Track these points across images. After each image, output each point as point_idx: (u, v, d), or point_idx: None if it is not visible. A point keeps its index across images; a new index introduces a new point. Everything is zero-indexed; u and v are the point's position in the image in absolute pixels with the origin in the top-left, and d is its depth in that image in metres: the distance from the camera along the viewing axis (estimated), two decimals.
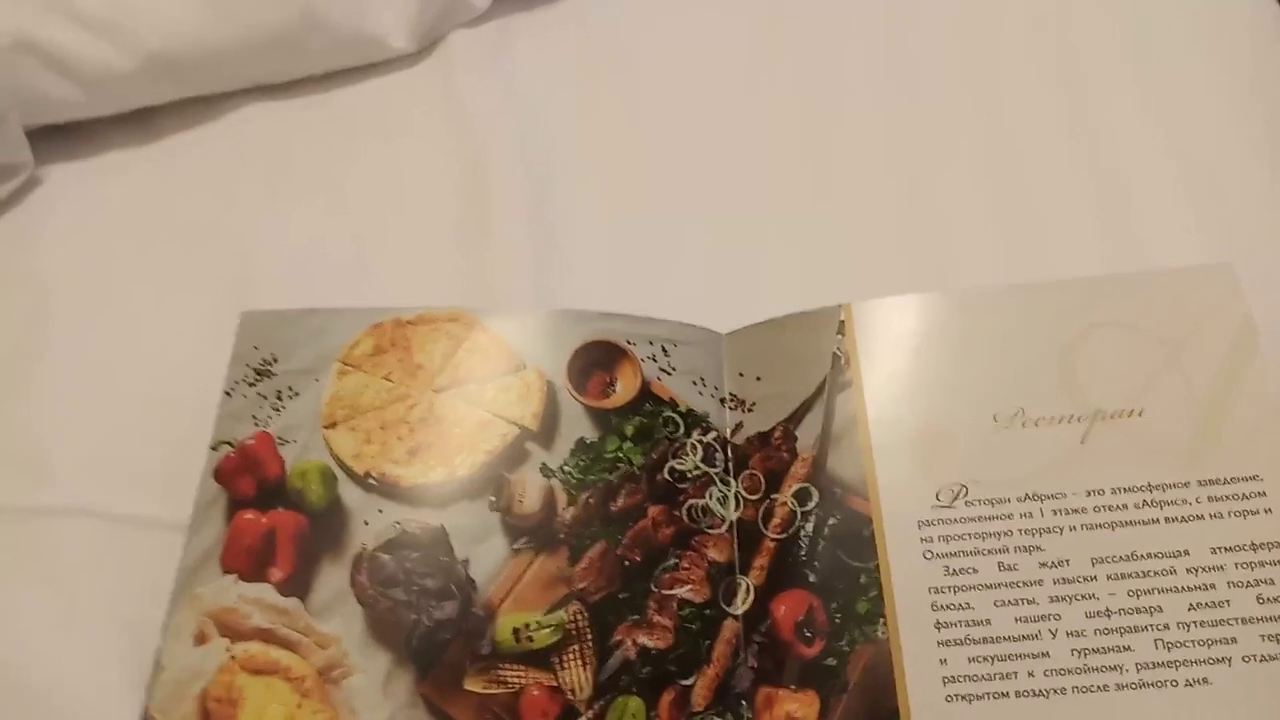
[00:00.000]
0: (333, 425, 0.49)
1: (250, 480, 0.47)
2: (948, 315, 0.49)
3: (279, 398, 0.49)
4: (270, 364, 0.50)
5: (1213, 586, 0.42)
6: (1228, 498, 0.43)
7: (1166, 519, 0.43)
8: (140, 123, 0.66)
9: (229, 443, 0.48)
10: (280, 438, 0.48)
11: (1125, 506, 0.44)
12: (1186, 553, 0.42)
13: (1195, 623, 0.41)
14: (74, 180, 0.64)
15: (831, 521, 0.46)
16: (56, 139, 0.65)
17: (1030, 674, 0.41)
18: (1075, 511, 0.44)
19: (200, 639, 0.43)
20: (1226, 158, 0.58)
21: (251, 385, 0.49)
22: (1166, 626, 0.41)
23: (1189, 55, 0.63)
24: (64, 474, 0.52)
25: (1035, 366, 0.47)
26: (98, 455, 0.52)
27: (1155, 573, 0.42)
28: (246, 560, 0.45)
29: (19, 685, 0.45)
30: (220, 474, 0.47)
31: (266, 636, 0.43)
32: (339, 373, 0.50)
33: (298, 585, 0.45)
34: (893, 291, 0.50)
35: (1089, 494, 0.44)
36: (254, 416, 0.49)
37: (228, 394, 0.49)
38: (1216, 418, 0.45)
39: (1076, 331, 0.48)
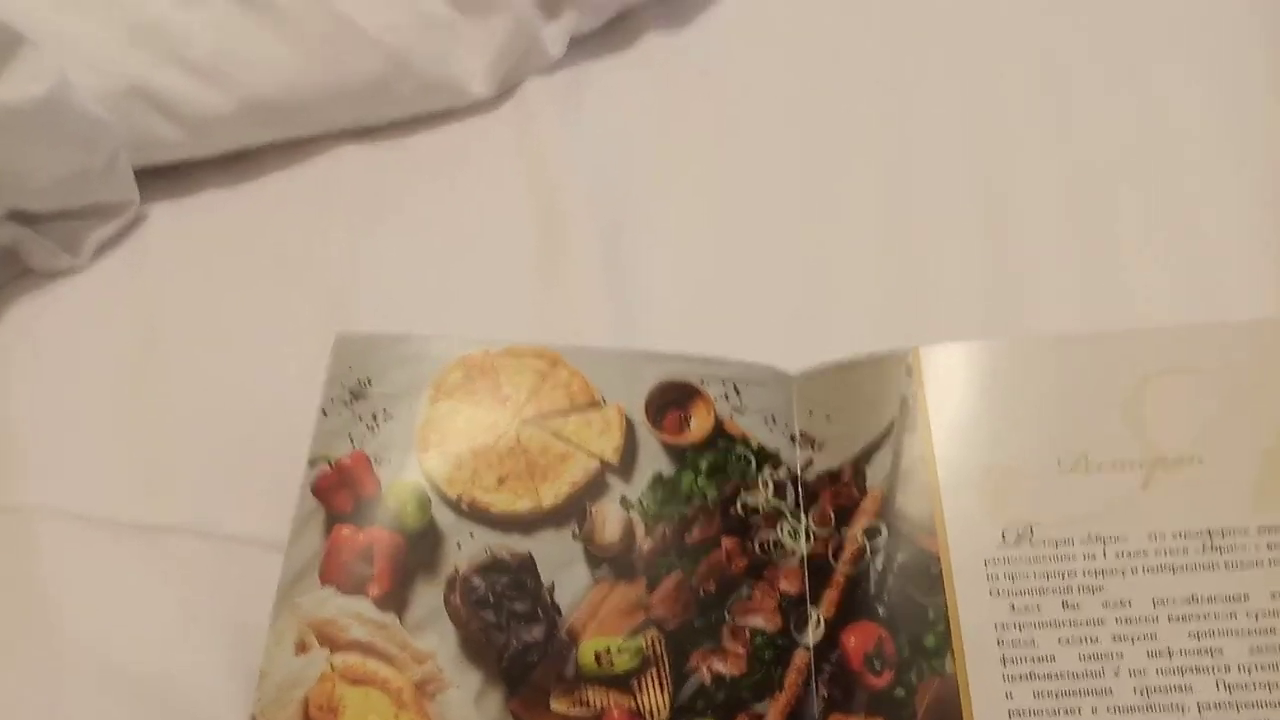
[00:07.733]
0: (426, 449, 0.51)
1: (347, 496, 0.49)
2: (1014, 360, 0.51)
3: (374, 419, 0.51)
4: (365, 386, 0.52)
5: (1273, 631, 0.43)
6: None
7: (1226, 564, 0.44)
8: (238, 163, 0.69)
9: (326, 459, 0.50)
10: (375, 458, 0.50)
11: (1185, 550, 0.45)
12: (1247, 597, 0.43)
13: (1256, 665, 0.42)
14: (176, 217, 0.67)
15: (900, 557, 0.47)
16: (160, 179, 0.68)
17: (1094, 710, 0.42)
18: (1137, 554, 0.45)
19: (301, 647, 0.45)
20: None
21: (347, 405, 0.51)
22: (1228, 668, 0.42)
23: (1273, 102, 0.63)
24: (178, 494, 0.54)
25: (1099, 412, 0.48)
26: (206, 477, 0.55)
27: (1216, 615, 0.43)
28: (345, 574, 0.47)
29: (141, 683, 0.47)
30: (318, 489, 0.49)
31: (365, 649, 0.45)
32: (430, 399, 0.52)
33: (394, 601, 0.47)
34: (963, 335, 0.52)
35: (1150, 537, 0.45)
36: (350, 435, 0.50)
37: (324, 412, 0.51)
38: (1278, 466, 0.46)
39: (1142, 378, 0.49)
